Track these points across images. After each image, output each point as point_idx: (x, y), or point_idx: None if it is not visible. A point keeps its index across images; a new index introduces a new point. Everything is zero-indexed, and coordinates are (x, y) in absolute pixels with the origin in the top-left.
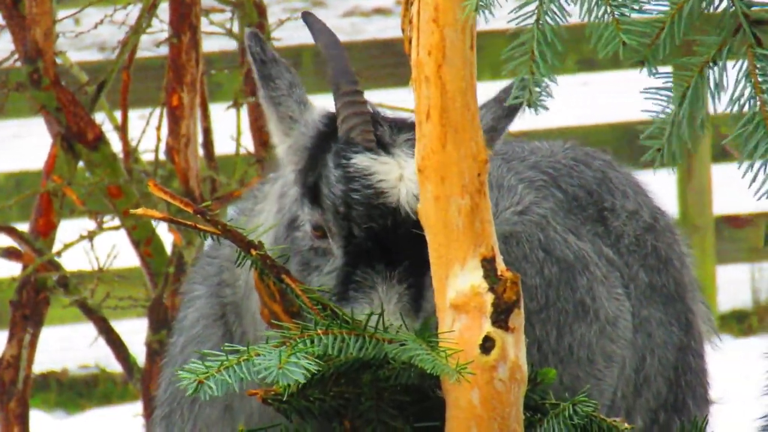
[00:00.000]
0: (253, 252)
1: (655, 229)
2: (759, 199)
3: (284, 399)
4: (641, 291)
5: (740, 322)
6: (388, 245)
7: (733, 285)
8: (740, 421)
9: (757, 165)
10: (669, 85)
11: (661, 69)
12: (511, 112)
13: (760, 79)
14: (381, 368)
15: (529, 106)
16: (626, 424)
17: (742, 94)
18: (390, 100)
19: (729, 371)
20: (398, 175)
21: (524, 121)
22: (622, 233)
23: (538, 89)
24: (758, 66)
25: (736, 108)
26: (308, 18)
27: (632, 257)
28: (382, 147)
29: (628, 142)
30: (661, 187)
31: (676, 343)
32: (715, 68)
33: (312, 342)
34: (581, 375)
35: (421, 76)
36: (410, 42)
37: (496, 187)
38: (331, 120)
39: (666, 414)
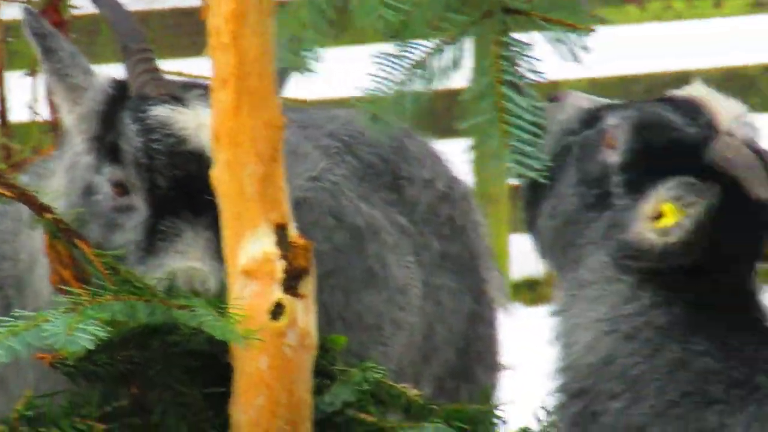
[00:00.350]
0: (47, 215)
1: (450, 198)
2: (508, 180)
3: (71, 363)
4: (434, 259)
5: (532, 291)
6: (193, 193)
7: (526, 254)
8: (532, 387)
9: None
10: (405, 55)
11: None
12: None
13: (502, 66)
14: (170, 334)
15: (300, 70)
16: (415, 390)
17: (481, 80)
18: (190, 68)
19: (521, 339)
20: (197, 123)
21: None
22: (417, 202)
23: (308, 54)
24: (502, 54)
25: (474, 93)
26: None
27: (426, 226)
28: (176, 100)
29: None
30: (457, 157)
31: (466, 311)
32: (455, 47)
33: (101, 308)
34: (368, 342)
35: (218, 43)
36: (207, 9)
37: (290, 154)
38: (118, 83)
39: (454, 381)
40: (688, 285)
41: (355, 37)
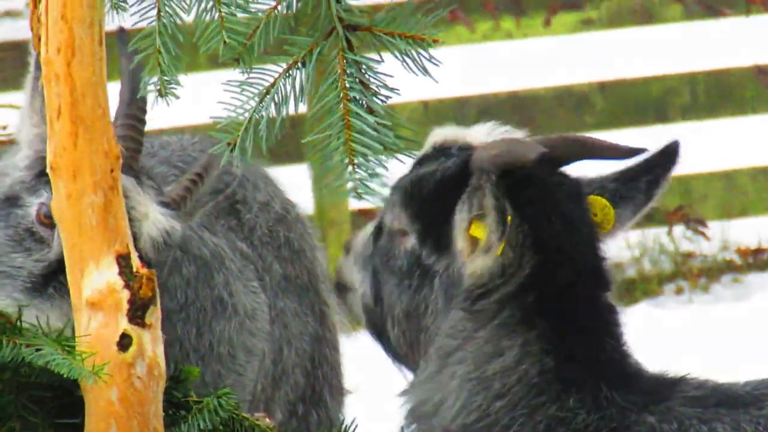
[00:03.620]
0: None
1: (287, 220)
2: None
3: None
4: (276, 282)
5: None
6: None
7: None
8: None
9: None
10: (254, 81)
11: (256, 66)
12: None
13: (347, 85)
14: (21, 367)
15: (161, 95)
16: (267, 420)
17: (327, 97)
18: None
19: (363, 362)
20: (145, 212)
21: None
22: (255, 225)
23: (167, 78)
24: (347, 71)
25: (320, 110)
26: None
27: (266, 249)
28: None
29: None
30: (296, 183)
31: (311, 333)
32: (303, 70)
33: None
34: (223, 371)
35: (51, 73)
36: (39, 40)
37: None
38: None
39: (304, 406)
40: (549, 313)
41: (208, 64)
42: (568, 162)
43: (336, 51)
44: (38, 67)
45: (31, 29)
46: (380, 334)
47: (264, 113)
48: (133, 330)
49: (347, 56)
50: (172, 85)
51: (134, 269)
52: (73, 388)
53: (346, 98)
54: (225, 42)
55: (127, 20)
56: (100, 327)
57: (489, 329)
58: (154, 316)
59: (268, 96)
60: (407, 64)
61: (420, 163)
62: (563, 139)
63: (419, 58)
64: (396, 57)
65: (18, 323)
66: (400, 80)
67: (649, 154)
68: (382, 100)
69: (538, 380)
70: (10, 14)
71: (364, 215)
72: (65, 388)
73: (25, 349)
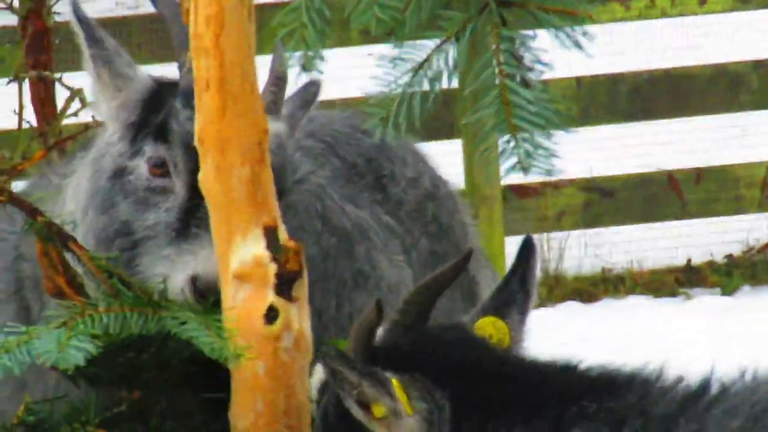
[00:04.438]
0: (39, 218)
1: (436, 196)
2: (503, 177)
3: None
4: (423, 258)
5: None
6: None
7: None
8: None
9: (501, 146)
10: (407, 56)
11: (409, 41)
12: (309, 99)
13: (503, 60)
14: (167, 341)
15: (305, 70)
16: None
17: (483, 74)
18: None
19: None
20: None
21: None
22: (402, 200)
23: (311, 54)
24: (502, 47)
25: (477, 86)
26: None
27: (413, 224)
28: None
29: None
30: (447, 159)
31: (458, 309)
32: (457, 44)
33: (93, 322)
34: None
35: (199, 47)
36: (188, 13)
37: None
38: (158, 80)
39: None
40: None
41: (360, 38)
42: (427, 311)
43: (490, 27)
44: (93, 45)
45: (180, 3)
46: None
47: (417, 88)
48: (280, 303)
49: (501, 32)
50: (317, 60)
51: (281, 242)
52: (219, 362)
53: (502, 74)
54: (377, 17)
55: None
56: (246, 300)
57: None
58: (301, 289)
59: (421, 71)
60: (560, 39)
61: (318, 403)
62: (408, 299)
63: (573, 33)
64: (549, 33)
65: (162, 297)
66: (554, 56)
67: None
68: (537, 75)
69: None
70: None
71: (515, 191)
72: (211, 362)
73: (170, 322)
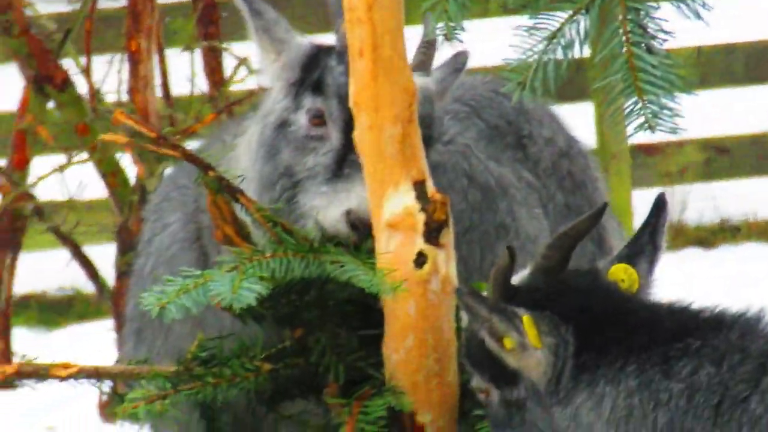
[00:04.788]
0: (210, 173)
1: (570, 154)
2: (631, 136)
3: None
4: (558, 210)
5: None
6: None
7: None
8: None
9: (628, 108)
10: (542, 26)
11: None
12: (458, 68)
13: (629, 29)
14: (326, 283)
15: (447, 39)
16: None
17: (612, 42)
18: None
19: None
20: None
21: None
22: (540, 158)
23: (453, 24)
24: (629, 17)
25: (606, 54)
26: None
27: (549, 180)
28: None
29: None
30: (581, 118)
31: (589, 256)
32: (587, 15)
33: (260, 266)
34: None
35: (353, 17)
36: None
37: None
38: (314, 43)
39: None
40: (614, 351)
41: (498, 10)
42: (567, 256)
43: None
44: (255, 16)
45: None
46: None
47: (551, 56)
48: (428, 249)
49: (628, 3)
50: (457, 31)
51: (429, 194)
52: (373, 303)
53: (629, 42)
54: None
55: None
56: (398, 246)
57: (583, 398)
58: (447, 237)
59: (554, 40)
60: (682, 10)
61: (465, 330)
62: (550, 245)
63: (693, 4)
64: (672, 4)
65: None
66: (676, 25)
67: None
68: (660, 43)
69: (655, 386)
70: None
71: (642, 149)
72: (366, 302)
73: (330, 266)
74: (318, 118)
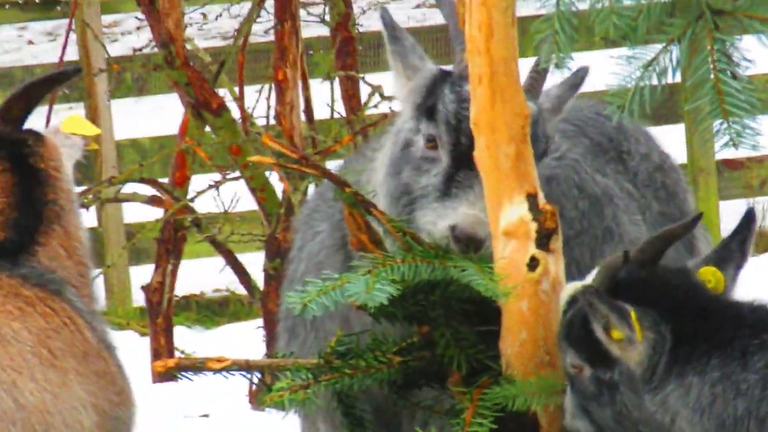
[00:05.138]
0: (346, 189)
1: (663, 168)
2: (718, 152)
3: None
4: (654, 218)
5: None
6: None
7: (733, 217)
8: None
9: (715, 127)
10: (639, 56)
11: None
12: (577, 83)
13: (716, 57)
14: (449, 285)
15: (557, 67)
16: None
17: (701, 69)
18: None
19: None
20: None
21: None
22: (637, 171)
23: (562, 55)
24: (715, 47)
25: (696, 80)
26: None
27: (646, 191)
28: None
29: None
30: (673, 136)
31: (680, 257)
32: (679, 46)
33: (392, 270)
34: None
35: (474, 48)
36: (464, 21)
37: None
38: (441, 71)
39: None
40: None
41: (601, 42)
42: (660, 254)
43: (705, 31)
44: (393, 42)
45: (459, 13)
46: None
47: (647, 82)
48: (539, 254)
49: (715, 35)
50: (566, 60)
51: (540, 206)
52: (490, 302)
53: (715, 69)
54: (615, 24)
55: (530, 7)
56: (513, 252)
57: (672, 387)
58: (556, 242)
59: (650, 68)
60: (761, 39)
61: (564, 314)
62: (648, 242)
63: None
64: (753, 35)
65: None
66: (756, 54)
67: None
68: (743, 70)
69: (739, 374)
70: None
71: (726, 164)
72: (485, 302)
73: (453, 270)
74: (431, 142)
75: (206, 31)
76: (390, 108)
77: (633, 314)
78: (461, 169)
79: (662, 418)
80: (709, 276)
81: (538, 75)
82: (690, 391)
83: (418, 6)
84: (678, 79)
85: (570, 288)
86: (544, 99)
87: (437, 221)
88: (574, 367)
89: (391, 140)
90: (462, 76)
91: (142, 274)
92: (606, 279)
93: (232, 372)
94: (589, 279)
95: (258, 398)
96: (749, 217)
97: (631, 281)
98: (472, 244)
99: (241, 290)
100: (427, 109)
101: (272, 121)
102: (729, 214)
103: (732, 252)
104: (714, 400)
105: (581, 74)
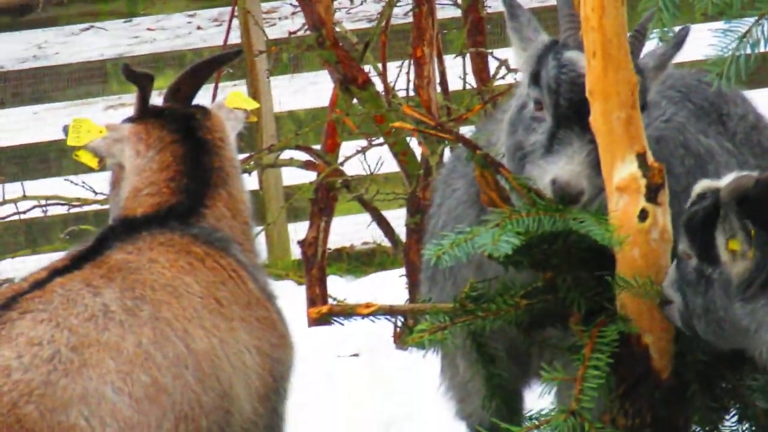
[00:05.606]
0: (477, 152)
1: (758, 127)
2: None
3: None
4: (752, 172)
5: None
6: (583, 114)
7: None
8: None
9: None
10: (735, 29)
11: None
12: (679, 41)
13: None
14: (569, 236)
15: (661, 41)
16: None
17: None
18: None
19: None
20: None
21: None
22: (736, 132)
23: (665, 30)
24: None
25: None
26: None
27: (743, 148)
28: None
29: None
30: (766, 99)
31: None
32: None
33: (517, 223)
34: None
35: (588, 26)
36: (578, 3)
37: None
38: (553, 41)
39: None
40: None
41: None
42: None
43: None
44: (512, 19)
45: None
46: (692, 330)
47: (742, 51)
48: (649, 206)
49: None
50: (670, 34)
51: (649, 163)
52: (606, 250)
53: None
54: (713, 2)
55: None
56: (625, 205)
57: (763, 303)
58: (664, 196)
59: (744, 39)
60: None
61: (690, 206)
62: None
63: None
64: None
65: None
66: None
67: None
68: None
69: None
70: None
71: None
72: (601, 249)
73: (573, 221)
74: (538, 104)
75: (353, 14)
76: (515, 79)
77: (752, 233)
78: (561, 127)
79: (748, 324)
80: None
81: (637, 39)
82: None
83: None
84: None
85: (704, 184)
86: (649, 58)
87: (542, 176)
88: (684, 254)
89: (512, 104)
90: (565, 44)
91: (298, 230)
92: (736, 193)
93: (378, 316)
94: (722, 183)
95: (402, 339)
96: None
97: (755, 201)
98: (569, 196)
99: (386, 243)
100: (534, 75)
101: (411, 93)
102: None
103: None
104: None
105: (683, 33)
